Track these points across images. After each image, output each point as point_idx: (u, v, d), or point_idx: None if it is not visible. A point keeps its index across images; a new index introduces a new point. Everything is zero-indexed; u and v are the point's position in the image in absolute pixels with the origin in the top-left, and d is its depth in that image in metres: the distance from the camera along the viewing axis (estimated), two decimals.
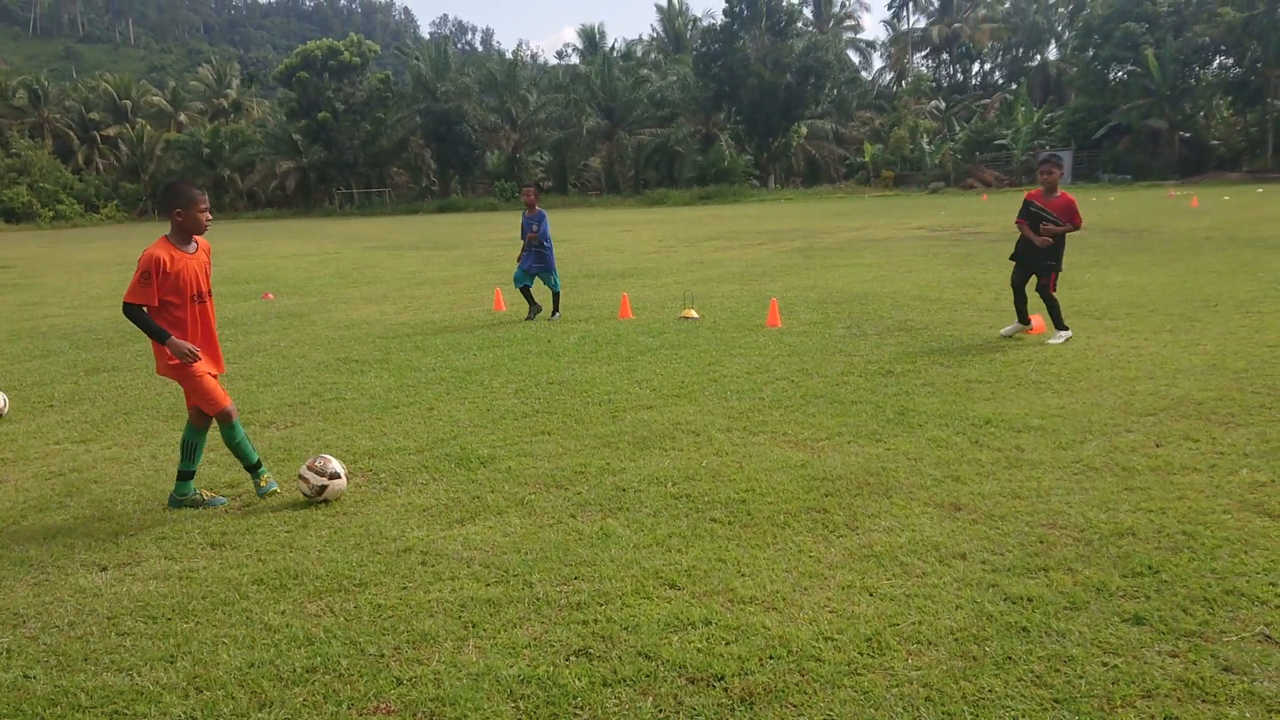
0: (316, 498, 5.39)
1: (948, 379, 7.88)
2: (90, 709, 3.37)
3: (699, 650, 3.58)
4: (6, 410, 8.25)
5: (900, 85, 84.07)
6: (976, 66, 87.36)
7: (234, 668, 3.61)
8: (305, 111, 75.33)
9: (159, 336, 5.36)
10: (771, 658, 3.50)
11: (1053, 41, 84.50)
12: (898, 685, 3.29)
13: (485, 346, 10.56)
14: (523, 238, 12.66)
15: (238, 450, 5.61)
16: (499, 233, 35.79)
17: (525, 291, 12.74)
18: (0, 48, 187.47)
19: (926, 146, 67.64)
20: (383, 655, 3.66)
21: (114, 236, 49.87)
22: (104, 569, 4.67)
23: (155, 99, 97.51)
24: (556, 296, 12.76)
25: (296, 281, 19.91)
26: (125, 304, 5.35)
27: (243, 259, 27.74)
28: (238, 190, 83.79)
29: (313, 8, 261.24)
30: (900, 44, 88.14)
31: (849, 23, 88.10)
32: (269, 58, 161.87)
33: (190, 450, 5.58)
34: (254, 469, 5.69)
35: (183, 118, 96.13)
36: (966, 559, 4.30)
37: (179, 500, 5.56)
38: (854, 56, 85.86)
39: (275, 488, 5.74)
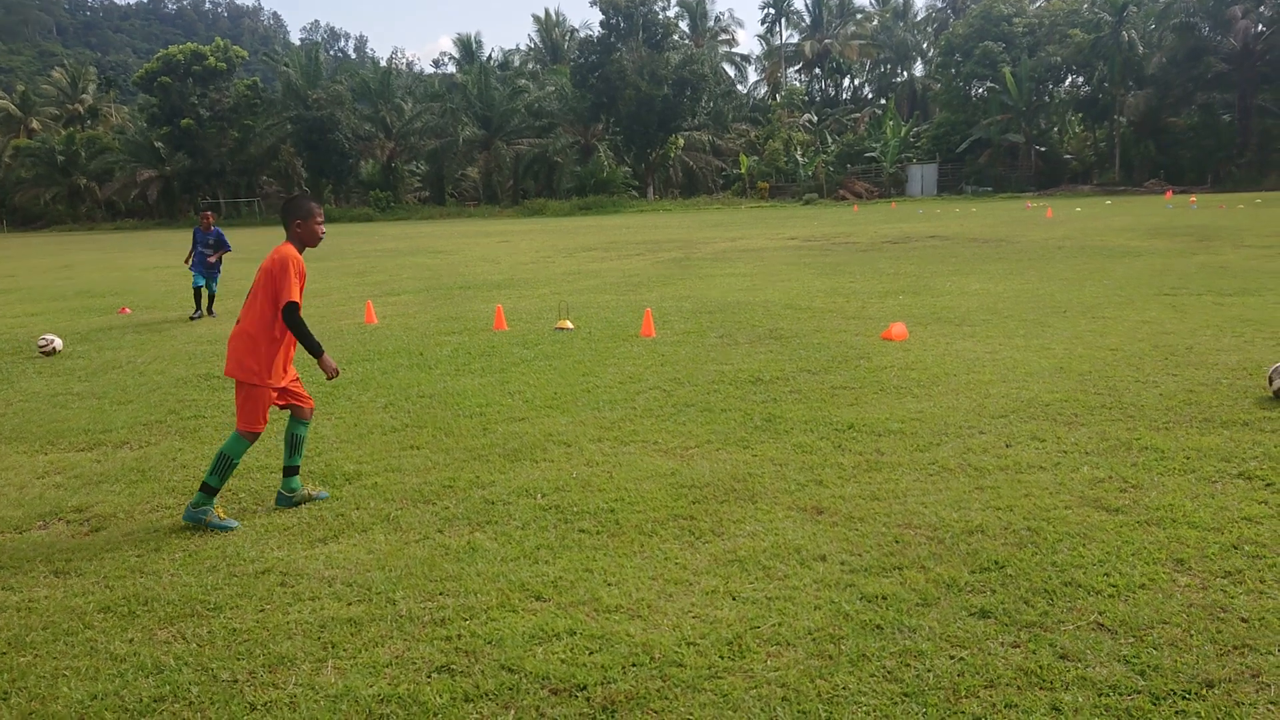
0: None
1: (814, 386, 8.09)
2: None
3: (562, 661, 3.58)
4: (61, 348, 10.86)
5: (775, 99, 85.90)
6: (847, 81, 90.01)
7: (75, 700, 3.45)
8: (168, 118, 72.51)
9: (316, 350, 5.28)
10: (634, 665, 3.53)
11: (918, 59, 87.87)
12: (756, 687, 3.36)
13: (355, 359, 10.34)
14: (200, 248, 15.43)
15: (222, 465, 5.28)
16: (373, 244, 35.12)
17: (197, 293, 15.34)
18: None
19: (800, 159, 69.34)
20: (236, 680, 3.55)
21: None
22: None
23: (2, 103, 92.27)
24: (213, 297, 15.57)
25: (157, 295, 19.11)
26: (289, 305, 5.12)
27: (101, 271, 26.48)
28: (95, 199, 79.80)
29: (176, 11, 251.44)
30: (774, 58, 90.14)
31: (724, 36, 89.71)
32: (129, 62, 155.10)
33: (227, 466, 5.24)
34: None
35: (34, 124, 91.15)
36: (826, 560, 4.42)
37: (199, 516, 5.21)
38: (730, 70, 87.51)
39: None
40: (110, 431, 7.53)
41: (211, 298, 15.51)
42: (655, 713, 3.23)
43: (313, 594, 4.29)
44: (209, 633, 3.95)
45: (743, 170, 70.77)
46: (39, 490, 6.07)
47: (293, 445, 5.53)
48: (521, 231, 40.39)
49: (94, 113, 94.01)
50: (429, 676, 3.52)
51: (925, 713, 3.17)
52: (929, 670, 3.43)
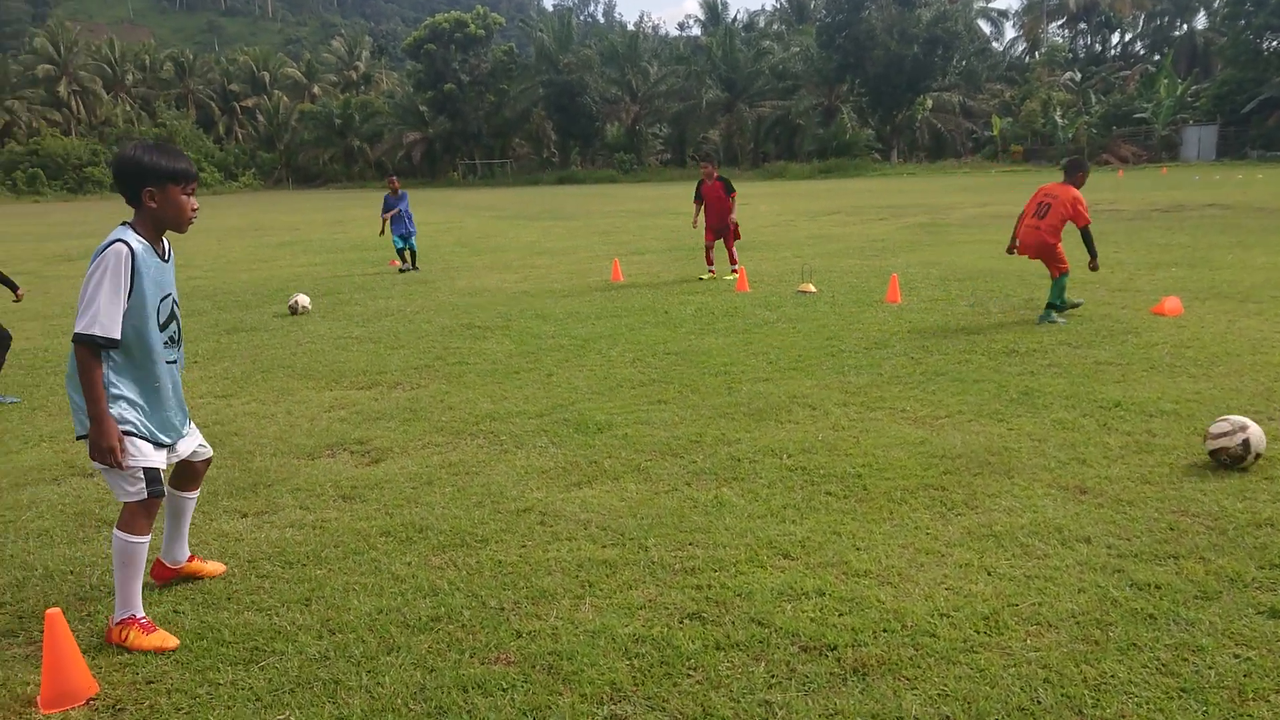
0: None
1: (1075, 360, 7.63)
2: (232, 644, 3.59)
3: (812, 620, 3.59)
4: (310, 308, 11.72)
5: (1033, 56, 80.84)
6: (1116, 37, 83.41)
7: (364, 613, 3.79)
8: (432, 83, 76.99)
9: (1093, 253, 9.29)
10: (885, 631, 3.49)
11: (1201, 9, 79.98)
12: (1015, 665, 3.24)
13: (603, 316, 10.70)
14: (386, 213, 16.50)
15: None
16: (618, 204, 36.02)
17: (401, 253, 16.39)
18: (149, 21, 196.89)
19: (1059, 120, 64.99)
20: (503, 609, 3.79)
21: (250, 204, 52.04)
22: (244, 515, 4.94)
23: (291, 71, 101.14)
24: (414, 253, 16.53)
25: (422, 249, 20.43)
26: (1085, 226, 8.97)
27: (371, 226, 28.60)
28: (367, 160, 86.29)
29: None
30: (1034, 13, 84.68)
31: None
32: (398, 30, 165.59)
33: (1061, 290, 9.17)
34: None
35: (316, 89, 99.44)
36: (1091, 543, 4.19)
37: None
38: (985, 26, 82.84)
39: None
40: (385, 373, 8.17)
41: (414, 254, 16.47)
42: (908, 680, 3.19)
43: (570, 534, 4.51)
44: (477, 563, 4.24)
45: (995, 133, 67.19)
46: (326, 423, 6.68)
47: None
48: (762, 194, 40.22)
49: (367, 79, 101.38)
50: (681, 622, 3.63)
51: (1206, 711, 2.96)
52: (1210, 667, 3.19)
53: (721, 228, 13.43)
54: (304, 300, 11.82)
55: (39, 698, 3.22)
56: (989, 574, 3.94)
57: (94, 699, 3.25)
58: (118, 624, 3.61)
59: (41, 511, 5.10)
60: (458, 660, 3.41)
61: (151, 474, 3.60)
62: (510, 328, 10.15)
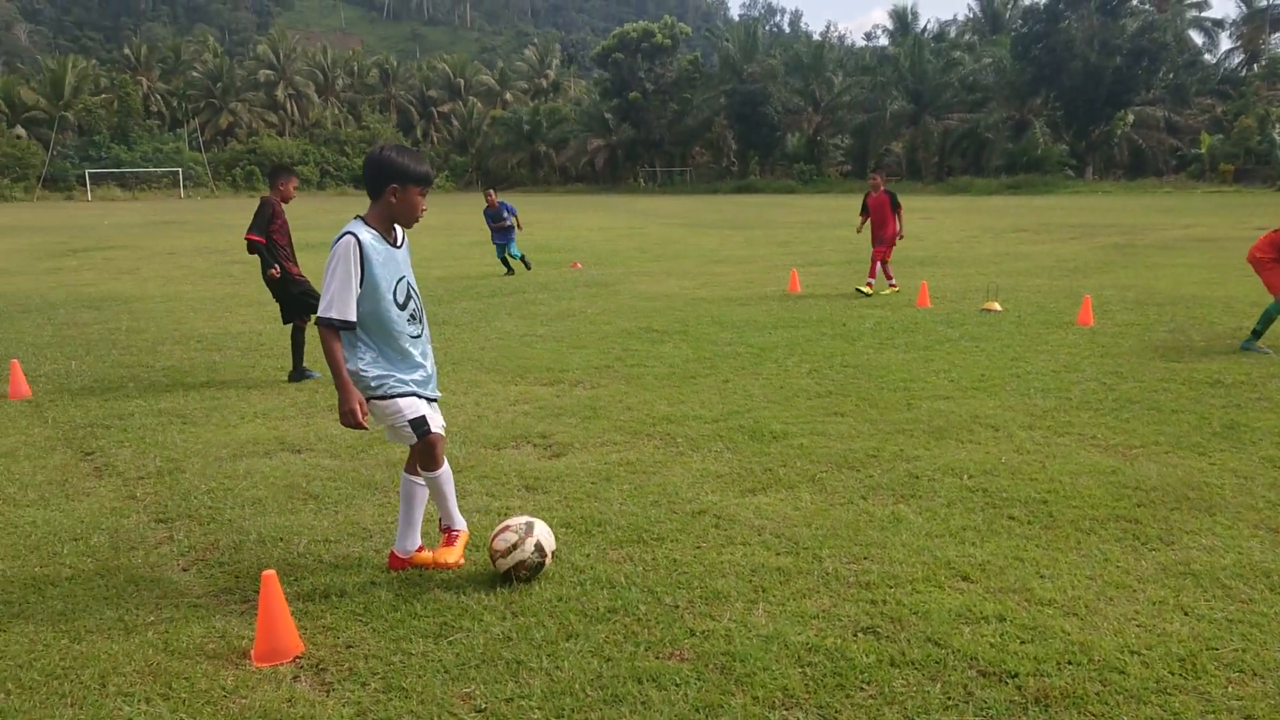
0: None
1: None
2: (423, 617, 3.81)
3: (991, 645, 3.51)
4: None
5: (1251, 69, 75.27)
6: None
7: (544, 599, 3.95)
8: (617, 91, 78.50)
9: None
10: (1070, 663, 3.38)
11: None
12: (1214, 712, 3.08)
13: (780, 325, 10.68)
14: (491, 224, 17.03)
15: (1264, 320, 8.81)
16: (797, 215, 35.78)
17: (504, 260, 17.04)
18: (358, 30, 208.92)
19: (1278, 138, 60.25)
20: (678, 606, 3.87)
21: (443, 205, 54.44)
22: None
23: (485, 78, 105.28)
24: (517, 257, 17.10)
25: (603, 253, 20.93)
26: None
27: (555, 229, 29.48)
28: (552, 165, 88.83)
29: None
30: (1255, 22, 78.79)
31: (1193, 0, 79.87)
32: (587, 39, 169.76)
33: (1267, 320, 8.81)
34: None
35: (508, 96, 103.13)
36: None
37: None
38: (1196, 37, 77.73)
39: None
40: (567, 371, 8.44)
41: (519, 258, 17.03)
42: (1094, 716, 3.08)
43: (744, 539, 4.55)
44: (653, 559, 4.34)
45: (1203, 150, 62.88)
46: (511, 416, 6.96)
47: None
48: (945, 209, 39.10)
49: (556, 86, 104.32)
50: (855, 635, 3.62)
51: None
52: None
53: (891, 240, 13.29)
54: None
55: (253, 651, 3.51)
56: (1185, 614, 3.74)
57: (300, 657, 3.52)
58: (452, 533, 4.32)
59: (255, 482, 5.54)
60: (633, 652, 3.51)
61: (416, 421, 4.05)
62: (688, 333, 10.28)
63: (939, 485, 5.27)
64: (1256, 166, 60.29)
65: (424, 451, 4.12)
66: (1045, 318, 10.92)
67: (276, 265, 8.31)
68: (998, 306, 11.51)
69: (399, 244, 4.07)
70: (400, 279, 4.02)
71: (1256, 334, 8.83)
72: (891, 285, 13.43)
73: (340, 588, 4.07)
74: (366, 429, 4.06)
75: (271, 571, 3.55)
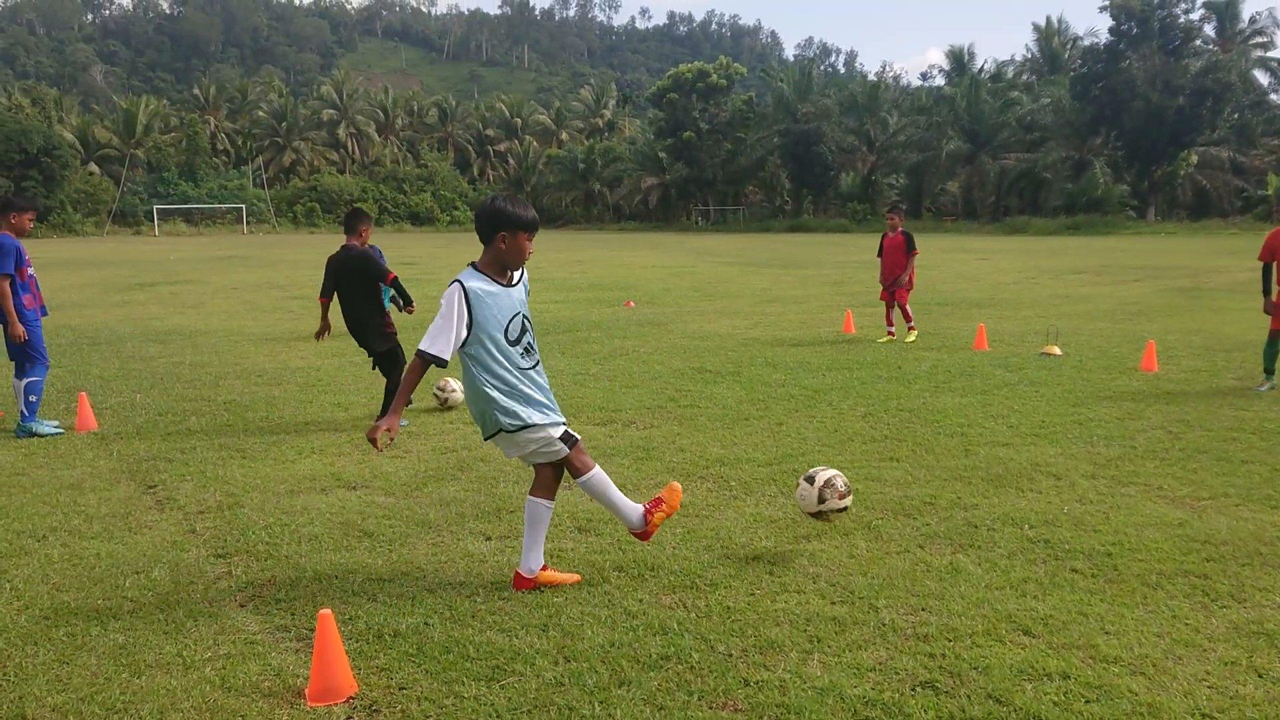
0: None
1: None
2: (476, 660, 3.80)
3: (1055, 704, 3.42)
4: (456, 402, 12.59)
5: None
6: None
7: (597, 644, 3.92)
8: (672, 130, 79.06)
9: None
10: None
11: None
12: None
13: (834, 368, 10.60)
14: None
15: None
16: (850, 255, 35.62)
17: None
18: (418, 71, 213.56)
19: None
20: (731, 655, 3.82)
21: None
22: (488, 539, 5.23)
23: (541, 118, 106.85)
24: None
25: (655, 292, 21.00)
26: None
27: (608, 268, 29.66)
28: (605, 203, 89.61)
29: (685, 33, 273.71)
30: None
31: (1259, 39, 78.58)
32: (642, 79, 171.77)
33: None
34: None
35: (564, 135, 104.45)
36: None
37: None
38: (1262, 77, 76.39)
39: None
40: (620, 411, 8.44)
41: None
42: None
43: (798, 587, 4.49)
44: (706, 606, 4.30)
45: (1270, 191, 61.56)
46: None
47: None
48: (1002, 250, 38.68)
49: (611, 125, 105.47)
50: (913, 690, 3.54)
51: None
52: None
53: (893, 283, 12.72)
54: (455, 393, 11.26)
55: (307, 690, 3.53)
56: (1260, 676, 3.61)
57: (353, 698, 3.53)
58: (651, 512, 4.58)
59: (312, 518, 5.60)
60: (686, 701, 3.47)
61: (563, 434, 4.50)
62: (741, 374, 10.24)
63: (998, 535, 5.16)
64: None
65: (574, 457, 4.50)
66: (1107, 363, 10.71)
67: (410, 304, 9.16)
68: (1058, 350, 11.32)
69: (514, 283, 4.43)
70: (515, 315, 4.38)
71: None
72: (910, 328, 12.83)
73: (394, 628, 4.08)
74: (379, 451, 4.34)
75: (328, 611, 3.58)
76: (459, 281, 4.27)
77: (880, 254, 13.12)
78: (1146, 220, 62.93)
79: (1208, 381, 9.50)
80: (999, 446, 7.06)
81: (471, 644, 3.94)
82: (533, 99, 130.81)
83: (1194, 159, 64.72)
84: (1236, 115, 64.34)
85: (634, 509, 4.57)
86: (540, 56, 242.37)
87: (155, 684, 3.63)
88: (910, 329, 12.79)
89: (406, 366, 4.27)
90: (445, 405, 8.68)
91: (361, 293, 8.15)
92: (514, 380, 4.35)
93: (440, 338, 4.21)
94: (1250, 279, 22.11)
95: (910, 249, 12.64)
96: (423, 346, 4.22)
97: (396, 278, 8.20)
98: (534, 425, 4.36)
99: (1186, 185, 67.09)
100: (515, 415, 4.34)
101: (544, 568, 4.54)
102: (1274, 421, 7.68)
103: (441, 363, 4.23)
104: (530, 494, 4.57)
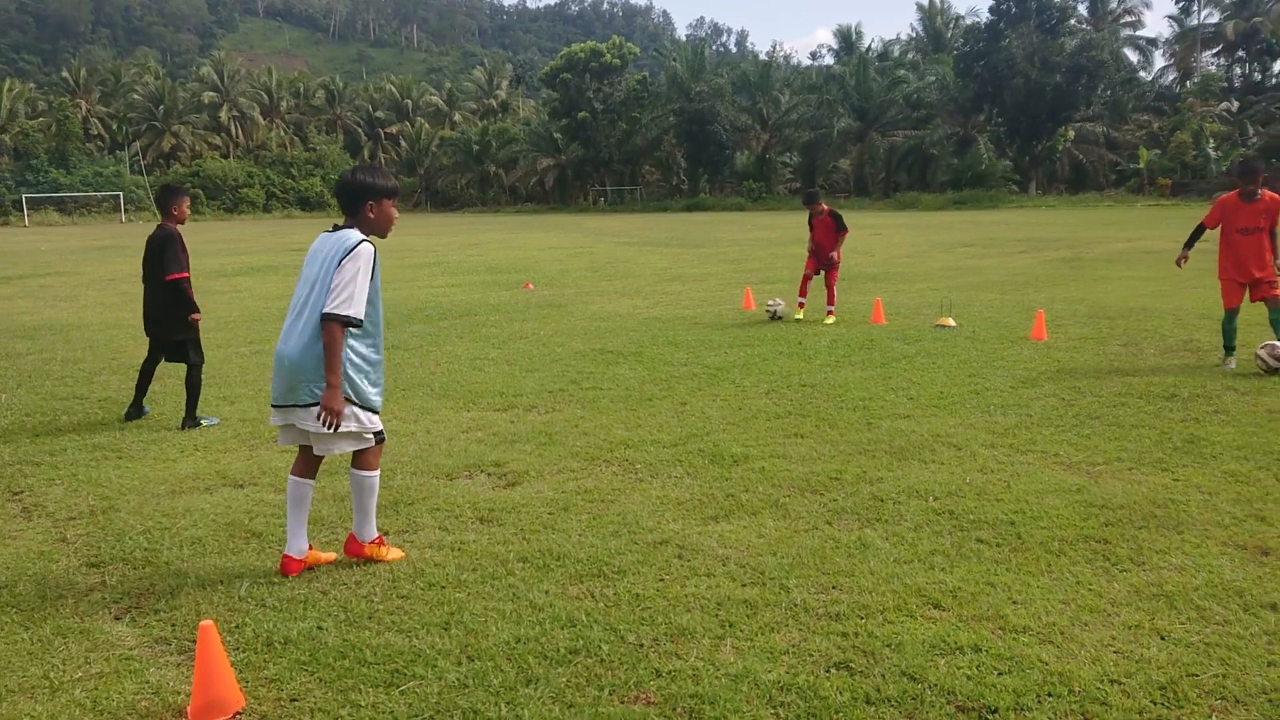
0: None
1: (1245, 407, 7.13)
2: (374, 664, 3.60)
3: (968, 678, 3.39)
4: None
5: (1184, 86, 77.22)
6: (1278, 65, 78.89)
7: (502, 641, 3.76)
8: (566, 111, 78.43)
9: None
10: (1050, 695, 3.26)
11: None
12: None
13: (735, 345, 10.58)
14: None
15: None
16: (747, 232, 35.89)
17: None
18: (304, 52, 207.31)
19: (1212, 153, 61.78)
20: (642, 645, 3.70)
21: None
22: (385, 534, 4.99)
23: (433, 99, 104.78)
24: None
25: (554, 273, 20.75)
26: None
27: (505, 250, 29.23)
28: (502, 185, 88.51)
29: (577, 12, 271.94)
30: (1187, 41, 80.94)
31: (1128, 19, 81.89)
32: (535, 60, 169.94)
33: None
34: None
35: (457, 116, 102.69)
36: (1278, 610, 3.85)
37: None
38: (1132, 55, 79.65)
39: None
40: (521, 396, 8.24)
41: None
42: None
43: (708, 570, 4.40)
44: (615, 595, 4.16)
45: (1141, 165, 64.33)
46: (464, 444, 6.75)
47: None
48: (894, 225, 39.49)
49: (505, 106, 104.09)
50: (827, 671, 3.47)
51: None
52: None
53: (825, 261, 12.69)
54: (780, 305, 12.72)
55: (189, 708, 3.28)
56: (1163, 639, 3.65)
57: (240, 713, 3.29)
58: (372, 541, 4.56)
59: (195, 520, 5.28)
60: (597, 697, 3.34)
61: (378, 433, 4.49)
62: (643, 354, 10.12)
63: (904, 508, 5.16)
64: (1192, 181, 61.80)
65: (375, 453, 4.51)
66: (1000, 333, 10.93)
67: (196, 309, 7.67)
68: (952, 322, 11.52)
69: None
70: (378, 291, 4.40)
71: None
72: (830, 311, 12.67)
73: (285, 635, 3.84)
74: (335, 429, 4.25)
75: (209, 622, 3.32)
76: (369, 241, 4.25)
77: (810, 228, 12.87)
78: (1028, 194, 65.11)
79: (1095, 349, 9.76)
80: (900, 419, 7.10)
81: (368, 648, 3.73)
82: (423, 80, 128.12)
83: (1071, 134, 67.16)
84: (1109, 92, 66.87)
85: (372, 521, 4.59)
86: (430, 36, 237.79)
87: (18, 711, 3.33)
88: (829, 312, 12.60)
89: (328, 335, 4.10)
90: (775, 317, 11.56)
91: (161, 278, 7.48)
92: (375, 355, 4.41)
93: (358, 298, 4.14)
94: (1127, 250, 23.02)
95: (840, 228, 12.55)
96: (342, 310, 4.11)
97: (183, 280, 7.45)
98: (372, 410, 4.40)
99: (1065, 160, 69.63)
100: (367, 393, 4.37)
101: (310, 547, 4.56)
102: (1158, 386, 7.92)
103: (360, 324, 4.19)
104: (295, 474, 4.48)
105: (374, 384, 4.41)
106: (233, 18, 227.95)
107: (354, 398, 4.28)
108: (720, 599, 4.08)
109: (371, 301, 4.26)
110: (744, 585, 4.23)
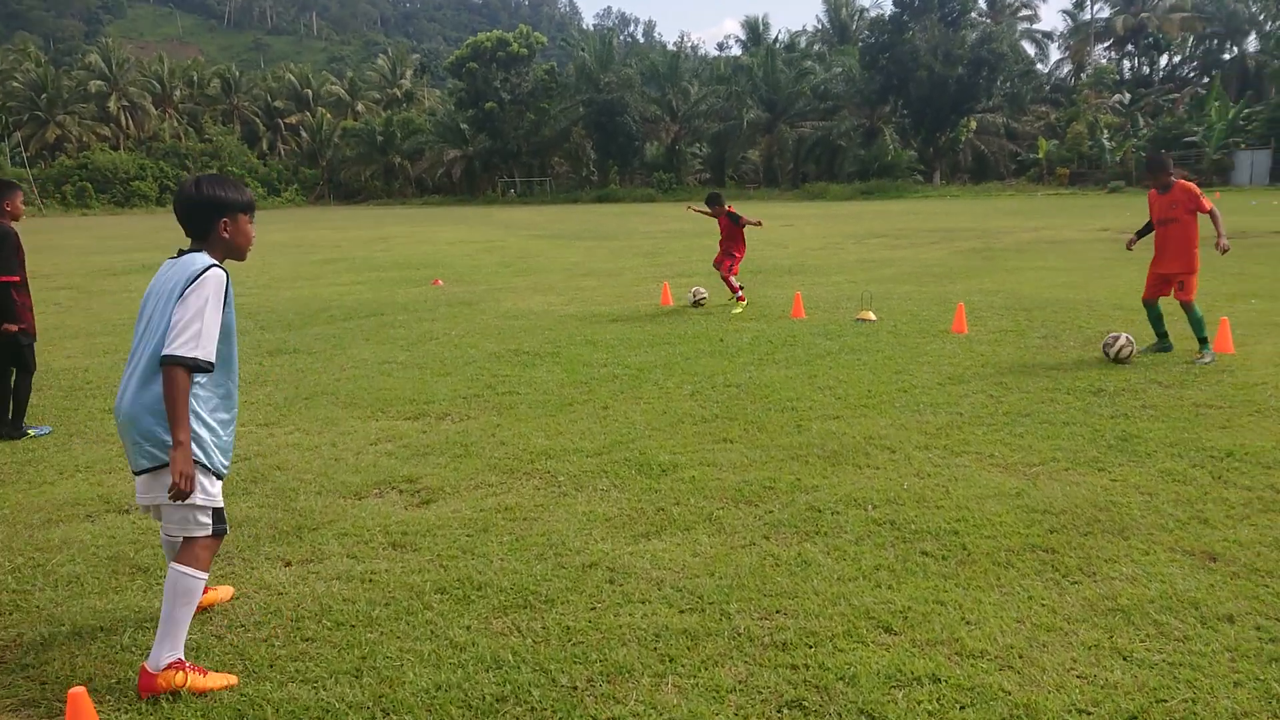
0: None
1: (1171, 402, 7.11)
2: None
3: (930, 714, 3.15)
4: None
5: (1079, 78, 79.66)
6: (1165, 59, 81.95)
7: (421, 689, 3.39)
8: (473, 101, 77.20)
9: None
10: None
11: (1252, 32, 78.43)
12: None
13: (656, 343, 10.28)
14: None
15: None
16: (659, 224, 35.67)
17: None
18: (197, 40, 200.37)
19: (1106, 143, 63.86)
20: (576, 688, 3.38)
21: (293, 219, 52.32)
22: (288, 564, 4.57)
23: (334, 88, 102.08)
24: None
25: (464, 269, 20.19)
26: None
27: (413, 244, 28.45)
28: (407, 177, 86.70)
29: (483, 1, 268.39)
30: (1081, 35, 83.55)
31: (1024, 13, 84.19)
32: (440, 49, 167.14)
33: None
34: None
35: (359, 106, 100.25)
36: (1235, 623, 3.71)
37: None
38: (1029, 48, 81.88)
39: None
40: (433, 403, 7.80)
41: None
42: None
43: (642, 596, 4.09)
44: (543, 628, 3.82)
45: (1040, 155, 66.21)
46: (373, 457, 6.31)
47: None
48: (804, 216, 39.71)
49: (410, 96, 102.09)
50: (779, 711, 3.20)
51: None
52: None
53: (724, 256, 12.92)
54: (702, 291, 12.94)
55: None
56: (1125, 659, 3.47)
57: None
58: (168, 667, 3.38)
59: (73, 554, 4.76)
60: None
61: (218, 513, 3.56)
62: (560, 355, 9.75)
63: (843, 519, 4.93)
64: (1089, 170, 63.82)
65: (210, 548, 3.55)
66: (921, 326, 10.86)
67: (16, 320, 7.02)
68: (872, 316, 11.42)
69: None
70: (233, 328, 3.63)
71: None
72: (739, 298, 12.93)
73: (173, 691, 3.40)
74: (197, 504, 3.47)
75: (80, 689, 2.89)
76: (219, 267, 3.47)
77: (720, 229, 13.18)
78: (933, 184, 66.38)
79: (1016, 341, 9.73)
80: (830, 420, 6.89)
81: (269, 702, 3.33)
82: (324, 69, 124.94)
83: (973, 125, 68.70)
84: (1009, 84, 68.57)
85: (179, 639, 3.43)
86: (330, 24, 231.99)
87: None
88: (739, 299, 12.75)
89: (170, 383, 3.24)
90: (697, 303, 12.12)
91: None
92: (226, 400, 3.59)
93: (205, 336, 3.32)
94: (1034, 240, 23.42)
95: (737, 222, 12.76)
96: (187, 353, 3.27)
97: (9, 284, 6.94)
98: (216, 475, 3.53)
99: (967, 150, 71.21)
100: (211, 453, 3.49)
101: (205, 589, 3.76)
102: (1084, 381, 7.87)
103: (211, 368, 3.38)
104: (177, 561, 3.48)
105: (224, 448, 3.56)
106: (121, 3, 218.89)
107: (202, 459, 3.43)
108: (658, 629, 3.78)
109: (225, 339, 3.48)
110: (682, 612, 3.93)
